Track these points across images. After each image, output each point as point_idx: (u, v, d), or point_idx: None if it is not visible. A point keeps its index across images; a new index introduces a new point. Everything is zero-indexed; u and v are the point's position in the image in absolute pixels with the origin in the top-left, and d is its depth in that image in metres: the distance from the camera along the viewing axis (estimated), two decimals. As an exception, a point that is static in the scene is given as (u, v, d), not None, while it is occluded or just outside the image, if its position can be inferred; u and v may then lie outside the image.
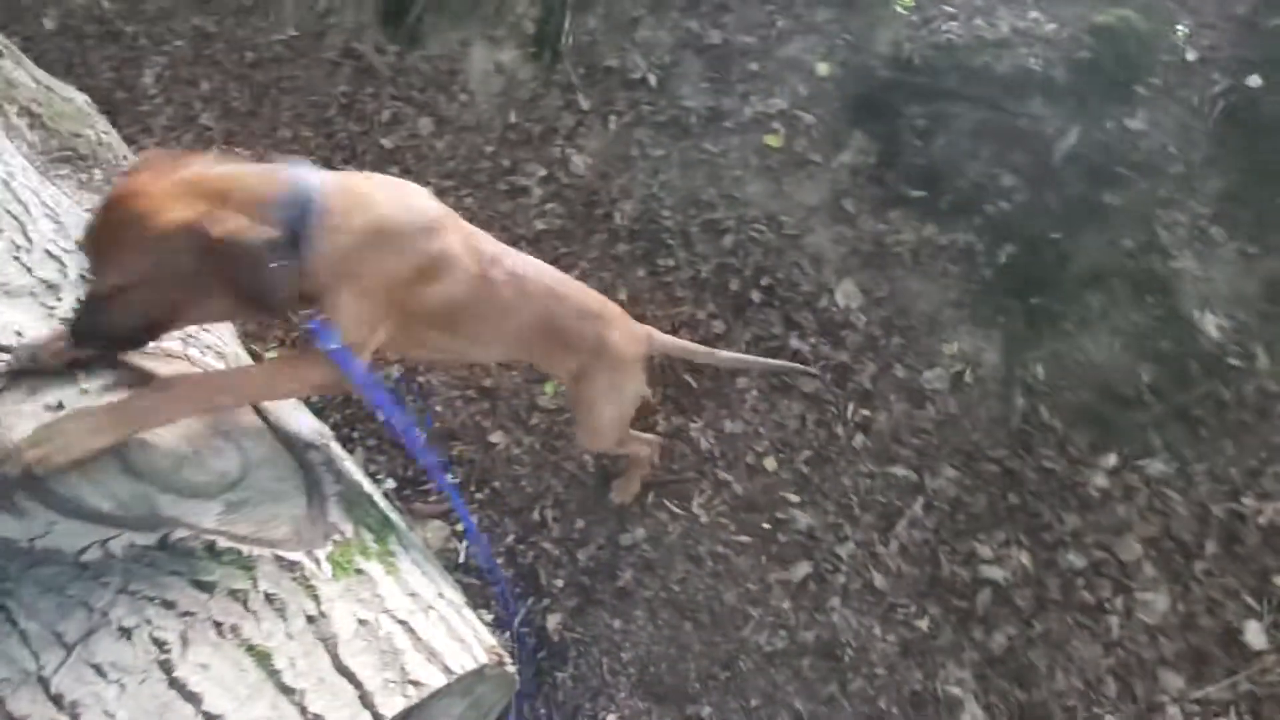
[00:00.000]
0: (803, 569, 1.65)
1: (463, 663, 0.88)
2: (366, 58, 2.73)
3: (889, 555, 1.65)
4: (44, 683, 0.72)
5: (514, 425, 1.88)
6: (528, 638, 1.58)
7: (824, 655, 1.56)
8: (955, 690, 1.51)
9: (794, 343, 1.91)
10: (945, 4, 2.12)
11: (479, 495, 1.80)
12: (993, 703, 1.49)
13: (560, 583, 1.66)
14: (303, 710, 0.75)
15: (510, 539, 1.73)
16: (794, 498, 1.74)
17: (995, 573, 1.62)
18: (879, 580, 1.63)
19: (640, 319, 2.01)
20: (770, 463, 1.79)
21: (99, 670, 0.74)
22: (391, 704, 0.76)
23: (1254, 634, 1.51)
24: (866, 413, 1.81)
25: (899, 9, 2.12)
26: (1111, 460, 1.69)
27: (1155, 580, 1.57)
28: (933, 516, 1.68)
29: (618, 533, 1.71)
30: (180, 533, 0.82)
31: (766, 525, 1.71)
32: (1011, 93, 2.02)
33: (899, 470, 1.74)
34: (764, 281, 2.02)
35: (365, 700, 0.76)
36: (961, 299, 1.90)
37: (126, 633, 0.76)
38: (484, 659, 0.91)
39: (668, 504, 1.74)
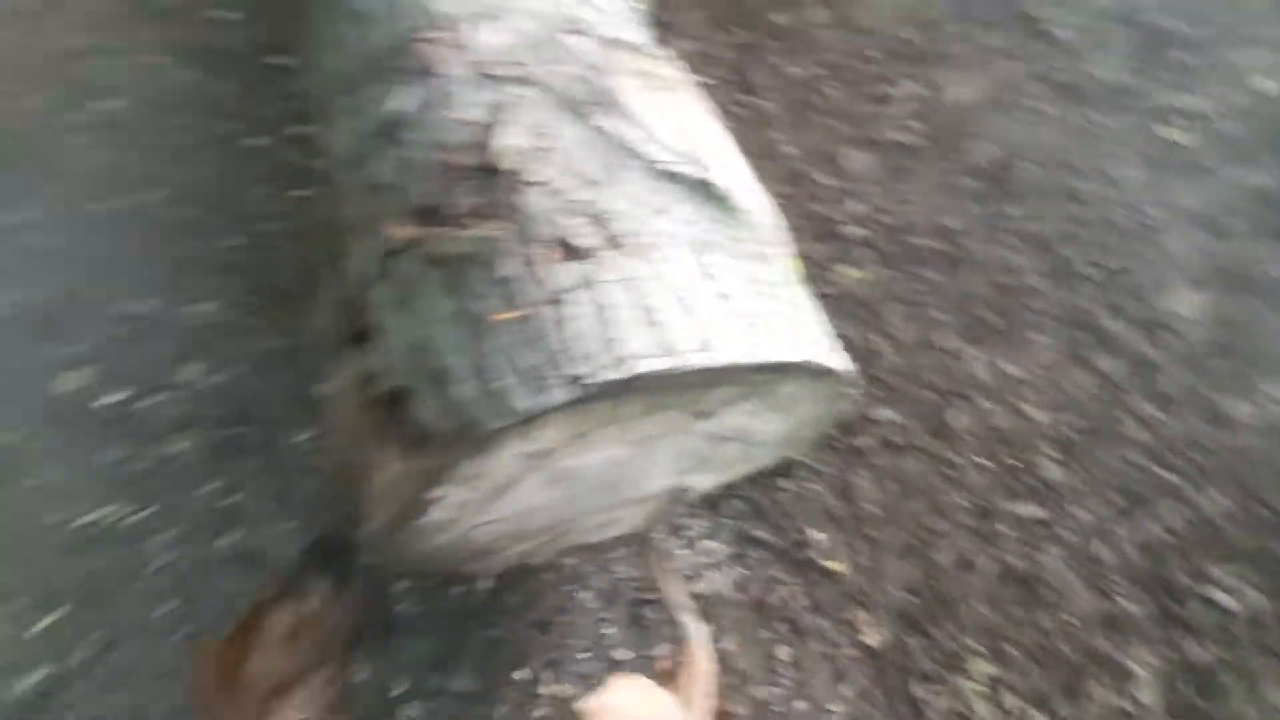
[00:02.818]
0: (1032, 510, 1.72)
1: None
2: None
3: (1122, 536, 1.67)
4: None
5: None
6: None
7: (1022, 585, 1.65)
8: (1136, 667, 1.54)
9: (1105, 321, 1.91)
10: None
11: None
12: (1169, 694, 1.51)
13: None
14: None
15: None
16: (1052, 453, 1.78)
17: (1222, 597, 1.59)
18: (1104, 552, 1.66)
19: (962, 249, 2.05)
20: (1039, 414, 1.84)
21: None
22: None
23: None
24: (1157, 413, 1.78)
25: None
26: None
27: None
28: (1180, 522, 1.67)
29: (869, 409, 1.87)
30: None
31: (1013, 462, 1.79)
32: None
33: (1168, 475, 1.72)
34: (1100, 260, 2.00)
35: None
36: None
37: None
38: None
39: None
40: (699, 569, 1.66)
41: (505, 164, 0.99)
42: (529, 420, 0.83)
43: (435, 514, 0.96)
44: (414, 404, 0.88)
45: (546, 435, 0.88)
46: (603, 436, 0.95)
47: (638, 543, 1.10)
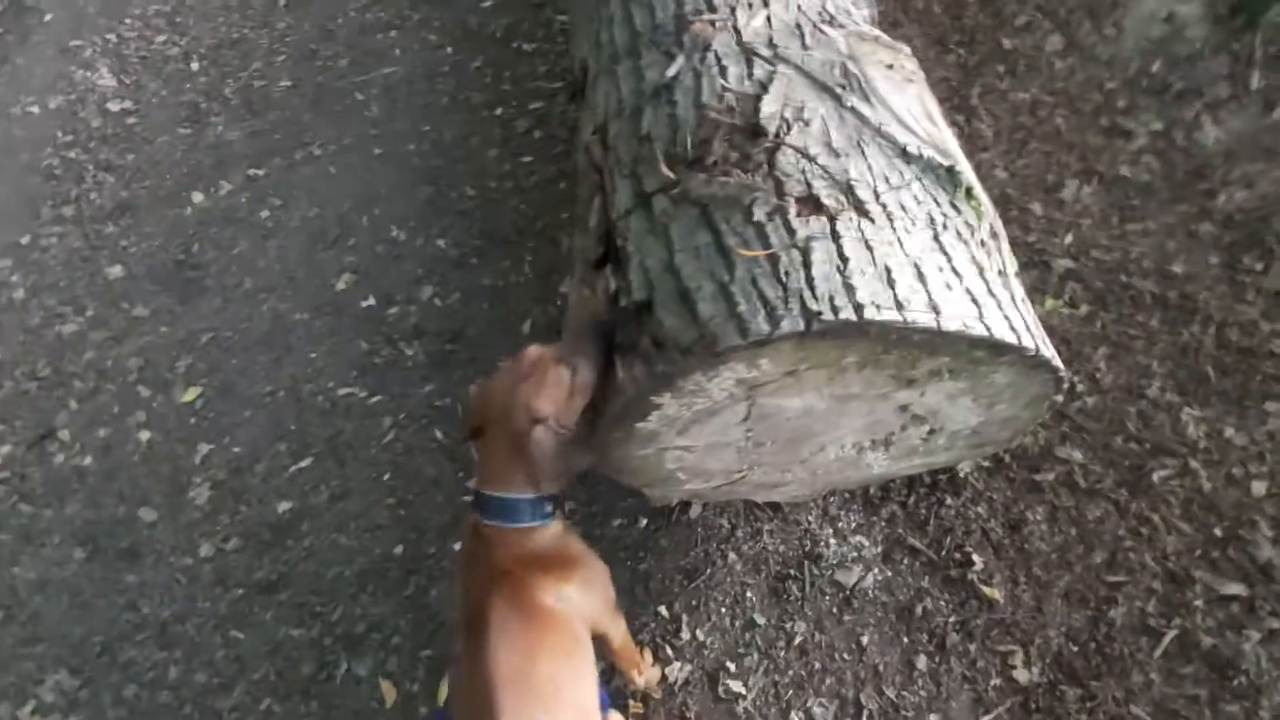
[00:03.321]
0: (1234, 589, 1.54)
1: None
2: (1033, -36, 2.80)
3: (1352, 643, 1.45)
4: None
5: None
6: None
7: (1210, 665, 1.48)
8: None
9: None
10: None
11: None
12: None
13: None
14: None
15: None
16: (1268, 530, 1.58)
17: None
18: (1322, 654, 1.46)
19: (1190, 300, 1.88)
20: (1258, 488, 1.64)
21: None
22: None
23: None
24: None
25: None
26: None
27: None
28: None
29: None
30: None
31: (1218, 532, 1.61)
32: None
33: None
34: (1368, 336, 1.75)
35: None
36: None
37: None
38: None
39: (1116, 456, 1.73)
40: (845, 559, 1.68)
41: (767, 127, 1.10)
42: (761, 343, 0.92)
43: (649, 422, 1.09)
44: (658, 316, 1.01)
45: (766, 364, 0.97)
46: (811, 381, 1.02)
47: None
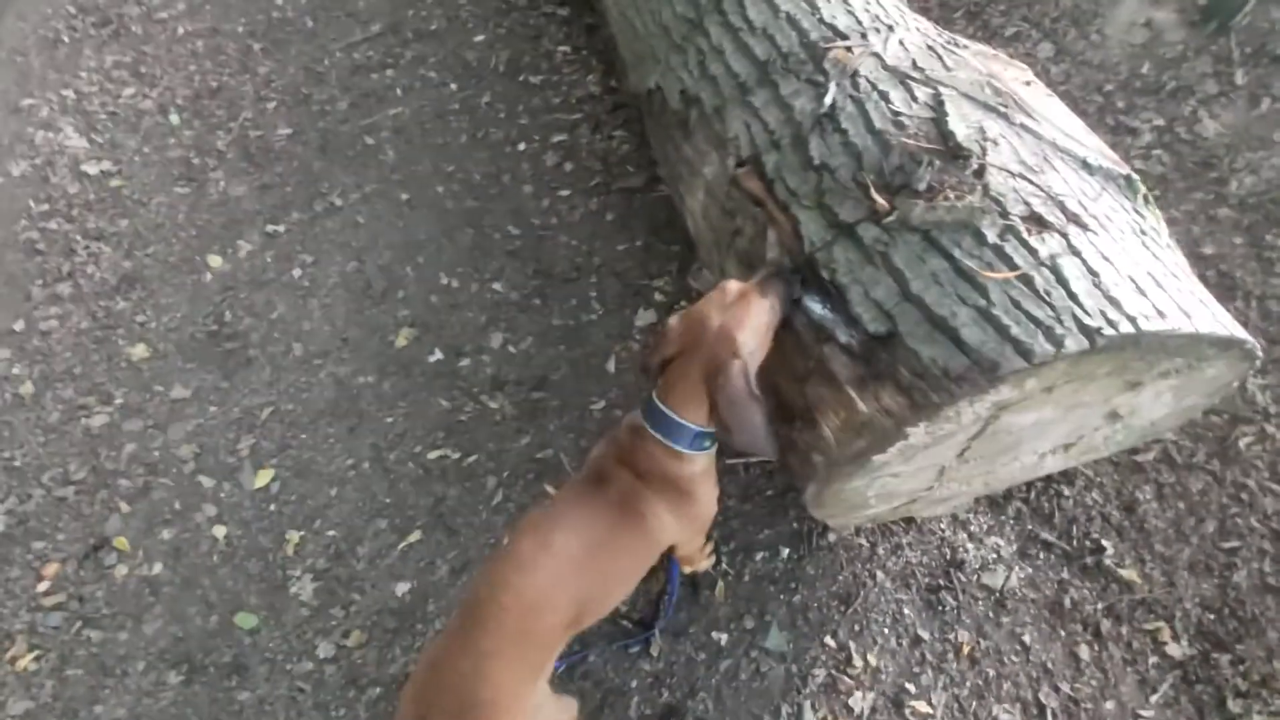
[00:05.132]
0: (1338, 540, 1.68)
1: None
2: (1033, -22, 3.02)
3: None
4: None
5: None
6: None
7: (1332, 613, 1.60)
8: None
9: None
10: None
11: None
12: None
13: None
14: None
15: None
16: (1351, 482, 1.74)
17: None
18: None
19: (1228, 278, 2.05)
20: (1333, 445, 1.80)
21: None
22: None
23: None
24: None
25: None
26: None
27: None
28: None
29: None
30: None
31: (1307, 488, 1.75)
32: None
33: None
34: (1389, 297, 1.95)
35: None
36: None
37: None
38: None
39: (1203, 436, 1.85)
40: (986, 562, 1.70)
41: (969, 149, 1.11)
42: (1039, 365, 0.93)
43: (887, 454, 1.07)
44: (910, 347, 1.00)
45: (1032, 384, 0.98)
46: (1060, 394, 1.04)
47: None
